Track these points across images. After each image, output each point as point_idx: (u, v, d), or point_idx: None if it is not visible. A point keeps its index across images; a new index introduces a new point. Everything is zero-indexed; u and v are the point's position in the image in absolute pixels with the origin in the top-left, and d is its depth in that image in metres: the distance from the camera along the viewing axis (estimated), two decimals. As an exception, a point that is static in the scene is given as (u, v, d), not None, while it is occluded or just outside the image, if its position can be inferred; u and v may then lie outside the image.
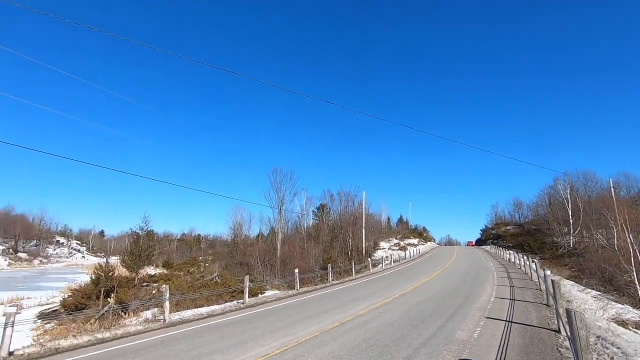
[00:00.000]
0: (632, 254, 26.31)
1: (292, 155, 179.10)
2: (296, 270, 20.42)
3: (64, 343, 9.25)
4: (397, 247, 59.82)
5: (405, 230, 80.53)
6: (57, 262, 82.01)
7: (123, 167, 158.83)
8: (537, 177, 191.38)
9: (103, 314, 14.07)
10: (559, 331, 9.01)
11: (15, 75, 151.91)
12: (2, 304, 23.48)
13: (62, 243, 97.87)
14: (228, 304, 15.66)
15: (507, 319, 10.54)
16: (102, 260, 21.78)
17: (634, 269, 25.63)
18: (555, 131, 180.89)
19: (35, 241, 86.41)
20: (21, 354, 8.42)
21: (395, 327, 9.57)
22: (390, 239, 66.65)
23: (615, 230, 31.54)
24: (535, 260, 24.02)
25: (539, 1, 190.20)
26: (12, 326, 8.34)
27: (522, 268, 27.43)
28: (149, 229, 23.93)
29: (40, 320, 16.94)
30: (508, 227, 74.47)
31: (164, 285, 13.31)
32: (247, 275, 16.77)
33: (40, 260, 78.03)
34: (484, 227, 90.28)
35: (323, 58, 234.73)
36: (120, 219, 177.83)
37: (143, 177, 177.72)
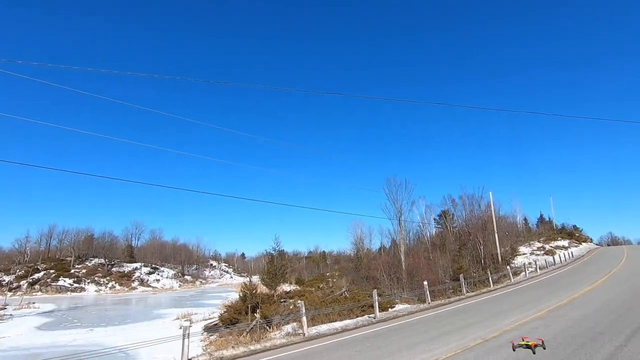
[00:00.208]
0: None
1: (405, 162, 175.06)
2: (425, 283, 19.46)
3: (225, 353, 10.70)
4: (542, 252, 51.63)
5: (550, 231, 69.00)
6: (212, 282, 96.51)
7: (254, 195, 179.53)
8: None
9: (252, 327, 15.81)
10: None
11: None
12: (178, 318, 28.67)
13: (214, 266, 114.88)
14: (360, 318, 15.82)
15: None
16: (246, 280, 24.72)
17: None
18: None
19: (195, 265, 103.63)
20: (196, 362, 10.06)
21: (555, 345, 8.13)
22: (531, 242, 58.02)
23: None
24: None
25: None
26: (188, 337, 10.07)
27: None
28: (280, 249, 26.22)
29: (205, 333, 20.02)
30: (703, 216, 56.89)
31: (299, 301, 14.26)
32: (375, 290, 16.72)
33: (201, 282, 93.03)
34: (663, 219, 71.02)
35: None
36: (256, 242, 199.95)
37: (271, 203, 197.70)
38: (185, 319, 25.43)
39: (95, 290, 68.69)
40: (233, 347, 11.47)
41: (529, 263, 35.88)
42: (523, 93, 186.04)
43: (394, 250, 39.32)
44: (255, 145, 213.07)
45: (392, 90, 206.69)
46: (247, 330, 15.37)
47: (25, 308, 40.30)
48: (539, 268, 33.74)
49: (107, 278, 73.95)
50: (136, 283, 76.22)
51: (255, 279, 32.27)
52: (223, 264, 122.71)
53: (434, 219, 49.75)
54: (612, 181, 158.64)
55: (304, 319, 13.03)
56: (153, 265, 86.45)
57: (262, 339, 13.34)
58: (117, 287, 72.17)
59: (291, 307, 20.38)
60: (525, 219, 72.07)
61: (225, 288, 75.05)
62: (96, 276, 73.22)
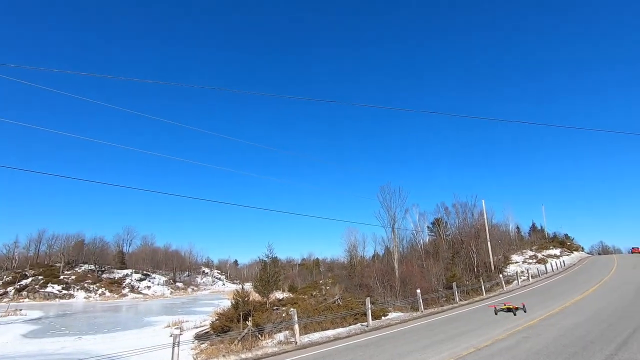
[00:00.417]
0: None
1: (399, 170, 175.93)
2: (418, 291, 19.44)
3: (216, 362, 10.54)
4: (534, 260, 51.98)
5: (542, 239, 69.55)
6: (204, 289, 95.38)
7: (248, 202, 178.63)
8: None
9: (244, 335, 15.62)
10: None
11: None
12: (169, 326, 28.24)
13: (207, 273, 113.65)
14: (352, 326, 15.72)
15: None
16: (239, 287, 24.48)
17: None
18: None
19: (187, 272, 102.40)
20: (186, 370, 9.88)
21: (546, 354, 8.14)
22: (524, 251, 58.41)
23: None
24: None
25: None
26: (178, 345, 9.91)
27: None
28: (273, 256, 26.05)
29: (196, 341, 19.72)
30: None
31: (292, 309, 14.14)
32: (368, 298, 16.65)
33: (192, 289, 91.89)
34: (652, 228, 71.96)
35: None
36: (249, 248, 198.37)
37: (265, 209, 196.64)
38: (176, 326, 25.06)
39: (85, 297, 67.48)
40: (224, 355, 11.32)
41: (521, 271, 36.04)
42: (518, 103, 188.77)
43: (387, 258, 39.27)
44: (250, 152, 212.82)
45: (387, 99, 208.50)
46: (238, 338, 15.18)
47: (11, 315, 39.41)
48: (531, 276, 33.90)
49: (97, 284, 72.74)
50: (127, 290, 75.07)
51: (248, 286, 31.94)
52: (215, 271, 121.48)
53: (428, 227, 49.84)
54: (603, 191, 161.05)
55: (296, 327, 12.92)
56: (144, 272, 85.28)
57: (254, 347, 13.19)
58: (107, 293, 71.00)
59: (284, 315, 20.20)
60: (517, 228, 72.55)
61: (217, 295, 74.20)
62: (86, 282, 71.99)
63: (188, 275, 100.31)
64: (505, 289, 27.17)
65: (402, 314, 19.12)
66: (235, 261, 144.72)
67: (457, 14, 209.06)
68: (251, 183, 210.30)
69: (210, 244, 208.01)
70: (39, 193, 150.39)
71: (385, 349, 10.20)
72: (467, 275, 33.58)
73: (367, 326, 15.02)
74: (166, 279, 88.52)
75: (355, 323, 16.48)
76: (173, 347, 9.77)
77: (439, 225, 47.24)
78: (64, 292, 67.26)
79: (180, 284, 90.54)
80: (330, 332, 14.48)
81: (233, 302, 20.60)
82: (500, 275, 31.00)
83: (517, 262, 49.64)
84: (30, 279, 68.29)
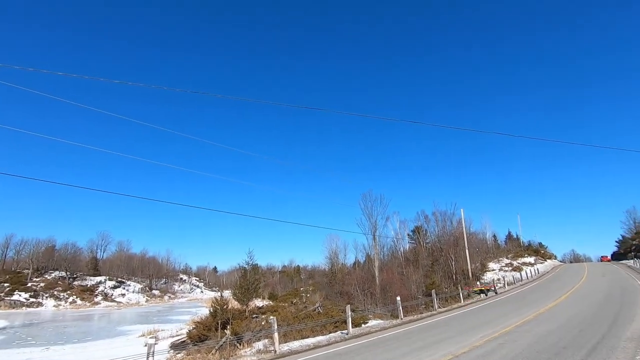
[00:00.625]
0: None
1: (380, 178, 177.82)
2: (398, 299, 19.57)
3: (192, 372, 10.24)
4: (510, 268, 53.37)
5: (517, 248, 71.55)
6: (182, 297, 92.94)
7: (227, 207, 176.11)
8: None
9: (222, 344, 15.27)
10: None
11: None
12: (143, 335, 27.33)
13: (185, 280, 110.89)
14: (332, 334, 15.64)
15: (677, 353, 8.36)
16: (217, 295, 23.97)
17: None
18: None
19: (164, 279, 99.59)
20: (160, 382, 9.56)
21: (522, 361, 8.34)
22: (500, 258, 59.89)
23: None
24: None
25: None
26: (153, 355, 9.59)
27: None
28: (254, 263, 25.69)
29: (172, 350, 19.15)
30: (655, 236, 60.70)
31: (272, 317, 13.96)
32: (349, 305, 16.63)
33: (169, 296, 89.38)
34: (620, 238, 75.18)
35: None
36: (229, 255, 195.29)
37: (245, 216, 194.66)
38: (151, 335, 24.26)
39: (54, 306, 64.54)
40: (200, 365, 11.02)
41: (498, 279, 36.90)
42: (496, 115, 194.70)
43: (368, 265, 39.43)
44: (230, 157, 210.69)
45: (369, 107, 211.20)
46: (216, 347, 14.85)
47: (-27, 325, 37.26)
48: (507, 284, 34.73)
49: (68, 292, 69.73)
50: (99, 298, 72.31)
51: (227, 293, 31.37)
52: (194, 278, 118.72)
53: (408, 235, 50.45)
54: (575, 201, 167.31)
55: (276, 335, 12.75)
56: (119, 279, 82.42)
57: (232, 356, 12.92)
58: (79, 301, 68.16)
59: (263, 323, 19.90)
60: (494, 236, 74.39)
61: (195, 303, 72.45)
62: (56, 290, 68.90)
63: (165, 283, 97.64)
64: (482, 296, 27.67)
65: (382, 321, 19.18)
66: (215, 268, 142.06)
67: (439, 23, 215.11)
68: (232, 188, 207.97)
69: (189, 251, 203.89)
70: (7, 195, 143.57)
71: (365, 357, 10.19)
72: (446, 283, 34.08)
73: (347, 334, 14.98)
74: (142, 286, 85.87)
75: (336, 331, 16.41)
76: (147, 357, 9.46)
77: (419, 233, 47.89)
78: (32, 300, 64.14)
79: (156, 292, 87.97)
80: (310, 340, 14.36)
81: (211, 310, 20.17)
82: (478, 283, 31.60)
83: (494, 270, 50.81)
84: (-5, 287, 64.85)
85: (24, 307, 61.15)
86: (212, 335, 17.79)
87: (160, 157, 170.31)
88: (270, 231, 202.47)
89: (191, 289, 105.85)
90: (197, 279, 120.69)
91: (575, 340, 10.06)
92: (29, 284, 68.08)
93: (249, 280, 22.97)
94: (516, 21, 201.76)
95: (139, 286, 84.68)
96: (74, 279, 75.59)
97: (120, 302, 72.97)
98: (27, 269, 72.61)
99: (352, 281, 31.50)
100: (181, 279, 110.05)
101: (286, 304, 30.43)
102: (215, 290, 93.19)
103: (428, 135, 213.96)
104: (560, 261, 77.40)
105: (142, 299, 78.93)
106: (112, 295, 75.40)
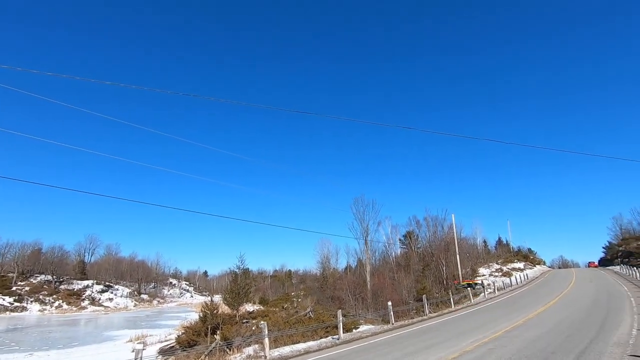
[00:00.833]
0: None
1: (372, 183, 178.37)
2: (389, 304, 19.57)
3: (181, 378, 10.08)
4: (500, 273, 53.85)
5: (507, 253, 72.30)
6: (171, 301, 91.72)
7: (218, 211, 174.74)
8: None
9: (211, 350, 15.08)
10: None
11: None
12: (131, 340, 26.87)
13: (174, 284, 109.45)
14: (323, 339, 15.56)
15: (662, 358, 8.50)
16: (207, 299, 23.72)
17: None
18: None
19: (153, 283, 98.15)
20: (148, 388, 9.38)
21: (511, 366, 8.38)
22: (490, 264, 60.41)
23: None
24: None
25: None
26: (140, 362, 9.41)
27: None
28: (245, 268, 25.51)
29: (161, 356, 18.85)
30: (641, 242, 61.82)
31: (262, 322, 13.84)
32: (340, 310, 16.58)
33: (158, 301, 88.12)
34: (607, 244, 76.50)
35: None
36: (220, 259, 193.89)
37: (237, 220, 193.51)
38: (139, 341, 23.90)
39: (39, 310, 63.17)
40: (189, 371, 10.86)
41: (488, 284, 37.16)
42: (488, 122, 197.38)
43: (359, 270, 39.44)
44: (222, 161, 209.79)
45: (361, 111, 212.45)
46: (205, 353, 14.68)
47: (-46, 330, 36.24)
48: (497, 289, 35.00)
49: (54, 296, 68.33)
50: (86, 302, 71.00)
51: (218, 298, 31.03)
52: (184, 282, 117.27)
53: (399, 239, 50.59)
54: (564, 208, 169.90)
55: (266, 340, 12.63)
56: (107, 283, 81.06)
57: (221, 362, 12.76)
58: (65, 306, 66.84)
59: (254, 328, 19.73)
60: (485, 242, 75.03)
61: (184, 308, 71.54)
62: (41, 294, 67.46)
63: (154, 287, 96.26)
64: (472, 301, 27.85)
65: (373, 326, 19.16)
66: (205, 272, 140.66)
67: (433, 28, 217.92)
68: (223, 192, 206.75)
69: (179, 254, 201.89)
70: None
71: (356, 363, 10.16)
72: (436, 288, 34.23)
73: (338, 339, 14.92)
74: (130, 290, 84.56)
75: (327, 336, 16.33)
76: (135, 363, 9.28)
77: (410, 238, 48.06)
78: (16, 304, 62.69)
79: (145, 296, 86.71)
80: (301, 346, 14.26)
81: (201, 315, 19.94)
82: (468, 288, 31.78)
83: (484, 275, 51.17)
84: (-23, 290, 63.27)
85: (7, 312, 59.73)
86: (201, 341, 17.57)
87: (150, 159, 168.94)
88: (261, 235, 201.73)
89: (181, 293, 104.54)
90: (187, 283, 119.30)
91: (564, 346, 10.17)
92: (14, 288, 66.59)
93: (239, 285, 22.79)
94: (508, 28, 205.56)
95: (127, 290, 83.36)
96: (61, 282, 74.14)
97: (107, 307, 71.74)
98: (11, 272, 70.99)
99: (344, 286, 31.45)
100: (171, 283, 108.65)
101: (277, 309, 30.23)
102: (205, 295, 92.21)
103: (420, 141, 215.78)
104: (549, 267, 78.43)
105: (130, 303, 77.71)
106: (99, 299, 74.10)
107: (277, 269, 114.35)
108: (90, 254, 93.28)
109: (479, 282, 11.47)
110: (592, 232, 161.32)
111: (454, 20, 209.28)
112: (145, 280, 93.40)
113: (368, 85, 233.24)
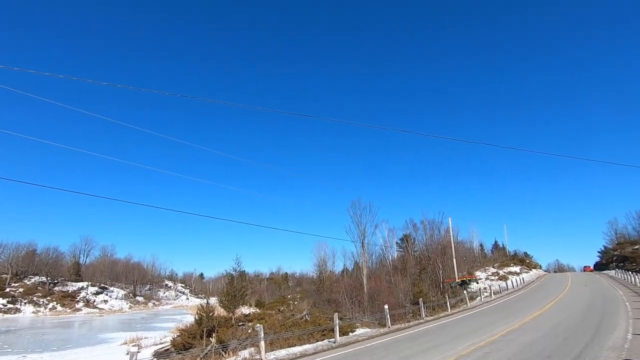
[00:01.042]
0: None
1: (369, 186, 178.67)
2: (386, 307, 19.55)
3: (176, 381, 10.01)
4: (496, 277, 53.95)
5: (503, 257, 72.46)
6: (166, 304, 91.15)
7: (215, 213, 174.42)
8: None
9: (207, 353, 14.99)
10: None
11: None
12: (125, 343, 26.67)
13: (170, 286, 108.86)
14: (320, 343, 15.50)
15: (656, 362, 8.53)
16: (203, 302, 23.59)
17: None
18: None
19: (149, 285, 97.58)
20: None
21: (507, 370, 8.39)
22: (487, 267, 60.53)
23: None
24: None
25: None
26: (135, 364, 9.34)
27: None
28: (241, 270, 25.43)
29: (155, 359, 18.70)
30: (636, 247, 62.21)
31: (258, 325, 13.79)
32: (336, 313, 16.55)
33: (154, 303, 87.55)
34: (602, 249, 76.87)
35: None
36: (216, 261, 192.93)
37: (233, 222, 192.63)
38: (134, 343, 23.70)
39: (33, 312, 62.59)
40: (184, 374, 10.79)
41: (484, 288, 37.23)
42: (485, 126, 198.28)
43: (356, 273, 39.41)
44: (218, 163, 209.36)
45: (359, 114, 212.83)
46: (201, 355, 14.59)
47: (-54, 331, 35.82)
48: (494, 293, 35.07)
49: (48, 298, 67.74)
50: (81, 304, 70.43)
51: (214, 300, 30.89)
52: (179, 284, 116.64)
53: (396, 243, 50.53)
54: (559, 212, 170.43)
55: (262, 343, 12.58)
56: (102, 285, 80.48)
57: (217, 365, 12.68)
58: (59, 308, 66.27)
59: (250, 330, 19.65)
60: (481, 245, 75.24)
61: (180, 310, 71.13)
62: (35, 296, 66.87)
63: (149, 289, 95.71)
64: (469, 305, 27.88)
65: (369, 329, 19.11)
66: (201, 274, 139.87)
67: (431, 30, 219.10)
68: (220, 194, 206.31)
69: (175, 256, 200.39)
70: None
71: (352, 366, 10.12)
72: (433, 291, 34.23)
73: (334, 342, 14.87)
74: (125, 292, 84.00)
75: (323, 339, 16.28)
76: (129, 366, 9.21)
77: (407, 242, 48.05)
78: (10, 306, 62.12)
79: (140, 298, 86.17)
80: (297, 349, 14.21)
81: (197, 318, 19.84)
82: (465, 292, 31.82)
83: (480, 279, 51.23)
84: (-30, 292, 62.67)
85: (0, 314, 59.14)
86: (197, 344, 17.48)
87: (147, 160, 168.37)
88: (258, 238, 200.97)
89: (176, 295, 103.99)
90: (183, 285, 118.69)
91: (559, 349, 10.18)
92: (7, 289, 65.99)
93: (235, 287, 22.69)
94: (505, 32, 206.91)
95: (122, 292, 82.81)
96: (55, 284, 73.53)
97: (102, 309, 71.20)
98: (5, 273, 70.34)
99: (340, 289, 31.38)
100: (166, 285, 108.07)
101: (273, 312, 30.12)
102: (201, 297, 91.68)
103: (417, 144, 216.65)
104: (545, 271, 78.63)
105: (125, 305, 77.18)
106: (94, 301, 73.55)
107: (274, 271, 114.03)
108: (85, 255, 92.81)
109: (473, 279, 11.39)
110: (587, 236, 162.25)
111: (451, 25, 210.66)
112: (140, 282, 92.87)
113: (366, 88, 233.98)
